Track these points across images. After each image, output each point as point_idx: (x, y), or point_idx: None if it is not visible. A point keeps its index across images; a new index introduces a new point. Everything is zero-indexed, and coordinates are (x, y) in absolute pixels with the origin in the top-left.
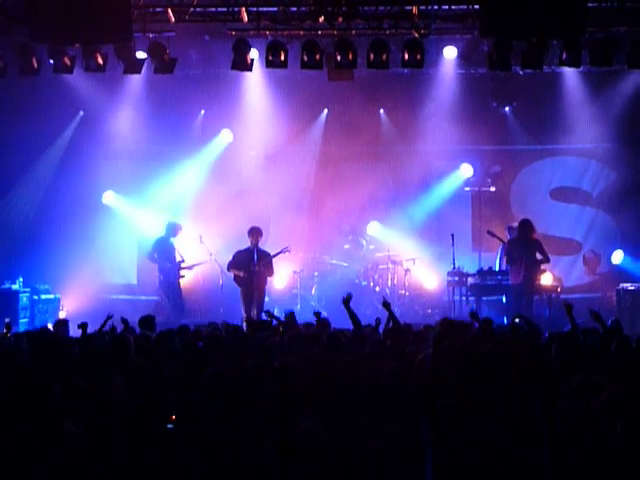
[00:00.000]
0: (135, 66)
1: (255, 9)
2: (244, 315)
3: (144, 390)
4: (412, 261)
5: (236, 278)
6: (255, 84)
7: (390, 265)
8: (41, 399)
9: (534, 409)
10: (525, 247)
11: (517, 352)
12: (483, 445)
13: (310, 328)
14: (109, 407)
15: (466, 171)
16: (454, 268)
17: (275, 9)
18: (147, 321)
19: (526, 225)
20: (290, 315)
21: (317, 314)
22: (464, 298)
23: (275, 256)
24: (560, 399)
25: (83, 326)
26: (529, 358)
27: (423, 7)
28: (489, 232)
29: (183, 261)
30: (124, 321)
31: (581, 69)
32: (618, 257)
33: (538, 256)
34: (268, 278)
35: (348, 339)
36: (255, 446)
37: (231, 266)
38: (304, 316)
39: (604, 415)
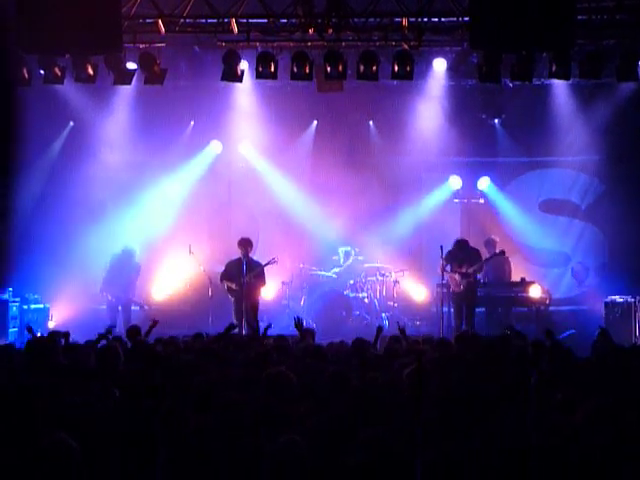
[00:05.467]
0: (125, 77)
1: (245, 20)
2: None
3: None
4: (401, 273)
5: (229, 290)
6: (245, 95)
7: (379, 276)
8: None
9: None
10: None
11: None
12: (470, 456)
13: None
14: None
15: (455, 183)
16: (443, 280)
17: (265, 20)
18: (134, 331)
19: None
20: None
21: (298, 324)
22: (452, 310)
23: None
24: (543, 413)
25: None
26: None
27: (413, 19)
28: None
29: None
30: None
31: (570, 81)
32: None
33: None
34: (261, 288)
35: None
36: (243, 457)
37: (223, 277)
38: (293, 327)
39: (585, 429)
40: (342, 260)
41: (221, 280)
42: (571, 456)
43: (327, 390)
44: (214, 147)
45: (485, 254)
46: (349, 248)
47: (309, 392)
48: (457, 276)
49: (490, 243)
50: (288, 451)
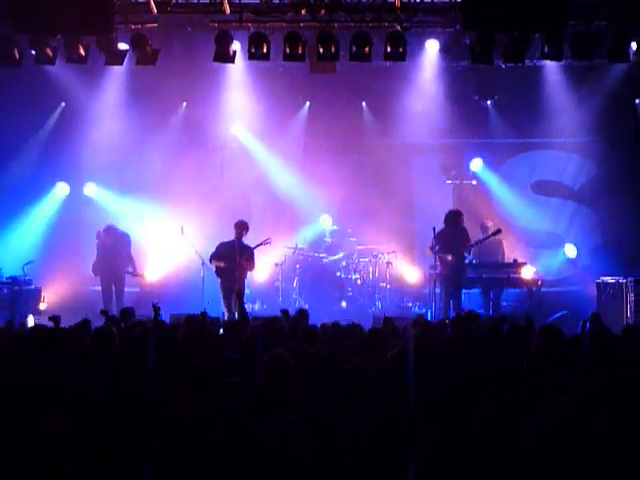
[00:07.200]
0: (117, 57)
1: (237, 1)
2: (224, 307)
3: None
4: (393, 254)
5: (218, 269)
6: (237, 76)
7: (372, 258)
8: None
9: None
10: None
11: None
12: (462, 441)
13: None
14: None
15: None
16: (435, 261)
17: (257, 1)
18: (128, 313)
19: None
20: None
21: (284, 312)
22: (441, 292)
23: (256, 247)
24: (535, 396)
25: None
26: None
27: (405, 0)
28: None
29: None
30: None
31: (562, 63)
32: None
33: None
34: (248, 272)
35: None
36: (237, 440)
37: (213, 257)
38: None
39: (578, 411)
40: (332, 239)
41: (210, 260)
42: (566, 442)
43: (321, 372)
44: (206, 128)
45: (479, 237)
46: (337, 228)
47: (304, 374)
48: (449, 256)
49: (483, 228)
50: (286, 431)
